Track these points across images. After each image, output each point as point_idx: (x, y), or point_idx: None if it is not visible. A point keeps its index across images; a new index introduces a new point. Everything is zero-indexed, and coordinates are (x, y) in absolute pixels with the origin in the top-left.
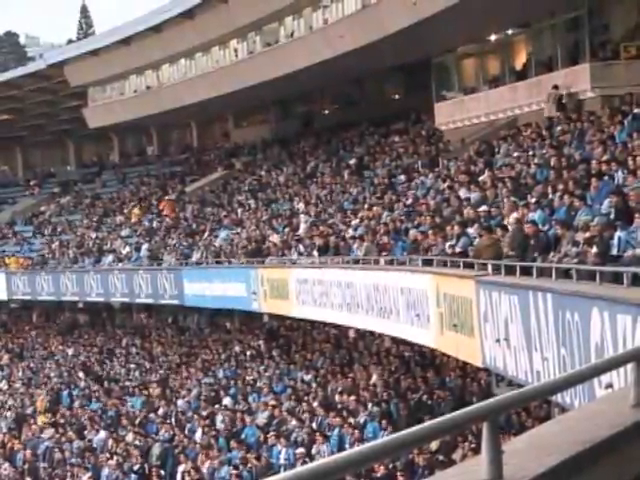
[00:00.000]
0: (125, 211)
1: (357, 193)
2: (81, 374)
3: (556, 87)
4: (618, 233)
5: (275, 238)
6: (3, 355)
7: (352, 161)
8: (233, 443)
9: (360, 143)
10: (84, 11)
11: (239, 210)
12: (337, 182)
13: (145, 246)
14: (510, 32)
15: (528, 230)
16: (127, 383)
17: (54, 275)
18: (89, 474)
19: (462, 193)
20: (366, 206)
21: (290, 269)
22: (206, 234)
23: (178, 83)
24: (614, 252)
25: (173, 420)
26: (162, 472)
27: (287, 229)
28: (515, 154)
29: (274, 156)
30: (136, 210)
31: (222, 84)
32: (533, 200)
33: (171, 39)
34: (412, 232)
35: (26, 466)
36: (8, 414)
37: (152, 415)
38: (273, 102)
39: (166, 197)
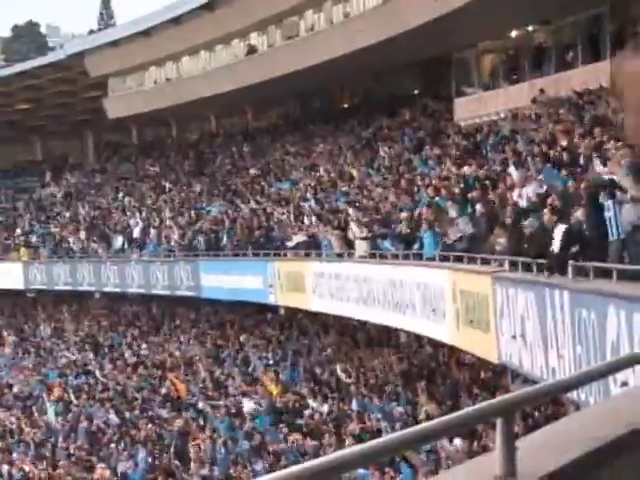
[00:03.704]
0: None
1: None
2: (88, 356)
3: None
4: None
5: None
6: (17, 342)
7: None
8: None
9: (369, 126)
10: (105, 1)
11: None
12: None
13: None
14: (531, 28)
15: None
16: (142, 371)
17: (71, 265)
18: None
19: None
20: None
21: (307, 262)
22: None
23: (198, 75)
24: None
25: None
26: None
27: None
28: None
29: (284, 139)
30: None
31: (241, 77)
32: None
33: (191, 31)
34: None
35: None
36: (26, 402)
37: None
38: (292, 96)
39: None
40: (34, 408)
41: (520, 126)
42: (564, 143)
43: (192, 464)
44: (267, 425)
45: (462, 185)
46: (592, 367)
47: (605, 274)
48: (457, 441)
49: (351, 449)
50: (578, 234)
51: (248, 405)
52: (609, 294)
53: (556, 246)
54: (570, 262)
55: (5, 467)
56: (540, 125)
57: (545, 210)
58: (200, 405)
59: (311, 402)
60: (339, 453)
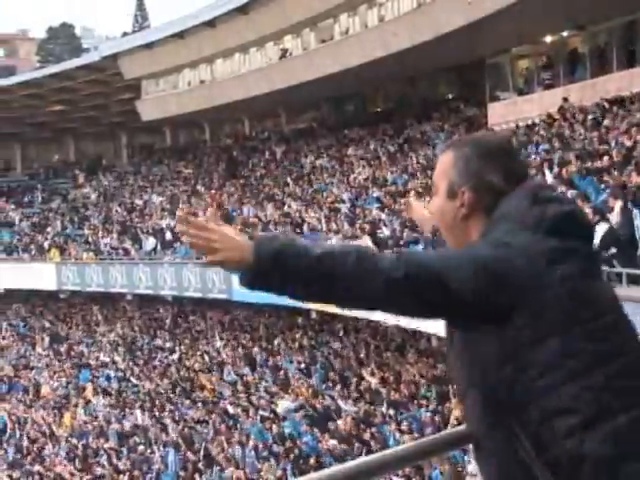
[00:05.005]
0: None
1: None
2: (120, 358)
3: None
4: None
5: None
6: (49, 343)
7: (391, 147)
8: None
9: (402, 130)
10: (140, 4)
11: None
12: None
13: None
14: (565, 34)
15: None
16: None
17: (104, 267)
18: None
19: None
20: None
21: None
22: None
23: (232, 78)
24: None
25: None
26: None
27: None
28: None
29: (318, 142)
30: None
31: (275, 80)
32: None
33: (225, 34)
34: None
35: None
36: (58, 403)
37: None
38: (326, 99)
39: (212, 190)
40: (66, 409)
41: (554, 132)
42: (600, 148)
43: (221, 465)
44: (298, 428)
45: None
46: None
47: (634, 281)
48: None
49: (382, 453)
50: (616, 237)
51: (279, 408)
52: None
53: (595, 242)
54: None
55: (37, 468)
56: (574, 131)
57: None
58: (230, 408)
59: (342, 406)
60: (370, 457)
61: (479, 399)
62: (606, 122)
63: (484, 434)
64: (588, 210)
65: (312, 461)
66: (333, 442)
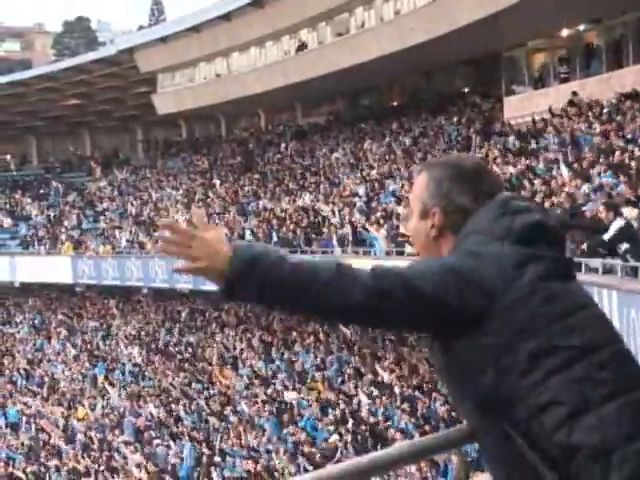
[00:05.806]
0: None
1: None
2: (136, 351)
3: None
4: None
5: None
6: (65, 336)
7: (407, 140)
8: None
9: (417, 124)
10: None
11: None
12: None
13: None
14: (581, 28)
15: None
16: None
17: (120, 260)
18: (139, 454)
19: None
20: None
21: (361, 259)
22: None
23: (247, 71)
24: None
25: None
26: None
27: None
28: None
29: (333, 136)
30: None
31: (291, 73)
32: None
33: (241, 27)
34: None
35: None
36: (68, 395)
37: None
38: (341, 93)
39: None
40: (81, 403)
41: (569, 125)
42: (614, 142)
43: (236, 459)
44: (313, 422)
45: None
46: None
47: None
48: None
49: (396, 447)
50: (632, 232)
51: (294, 402)
52: None
53: (607, 235)
54: (620, 262)
55: (53, 462)
56: (590, 125)
57: (601, 207)
58: (245, 401)
59: (358, 399)
60: (383, 452)
61: (469, 407)
62: (621, 116)
63: (482, 436)
64: (602, 205)
65: (327, 454)
66: (347, 435)
